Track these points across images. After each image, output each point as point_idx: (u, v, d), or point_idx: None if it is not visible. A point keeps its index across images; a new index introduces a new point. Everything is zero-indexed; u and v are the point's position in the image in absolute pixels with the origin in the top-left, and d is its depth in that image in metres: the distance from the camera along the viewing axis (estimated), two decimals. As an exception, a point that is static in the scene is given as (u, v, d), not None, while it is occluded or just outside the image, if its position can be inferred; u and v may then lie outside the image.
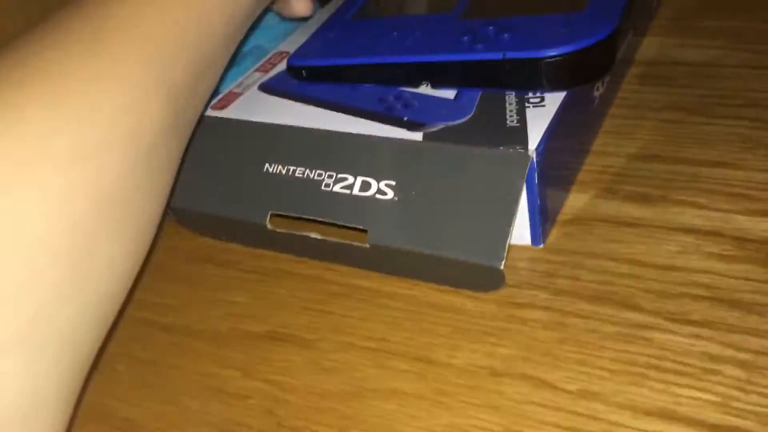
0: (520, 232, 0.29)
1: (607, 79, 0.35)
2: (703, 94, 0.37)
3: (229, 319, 0.30)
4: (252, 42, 0.40)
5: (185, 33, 0.27)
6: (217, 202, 0.32)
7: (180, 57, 0.27)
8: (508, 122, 0.29)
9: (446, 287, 0.29)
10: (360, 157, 0.30)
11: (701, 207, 0.30)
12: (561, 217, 0.31)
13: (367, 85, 0.33)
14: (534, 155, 0.27)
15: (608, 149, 0.34)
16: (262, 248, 0.33)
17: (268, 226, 0.31)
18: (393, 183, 0.29)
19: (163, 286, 0.32)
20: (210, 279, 0.32)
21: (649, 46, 0.41)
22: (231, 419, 0.25)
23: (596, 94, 0.34)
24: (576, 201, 0.32)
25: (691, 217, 0.30)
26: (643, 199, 0.31)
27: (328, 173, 0.30)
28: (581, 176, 0.33)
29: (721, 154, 0.33)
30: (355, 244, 0.29)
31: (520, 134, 0.28)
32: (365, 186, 0.29)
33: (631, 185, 0.32)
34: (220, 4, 0.29)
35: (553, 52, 0.29)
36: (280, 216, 0.31)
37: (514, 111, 0.30)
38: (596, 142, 0.35)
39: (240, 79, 0.37)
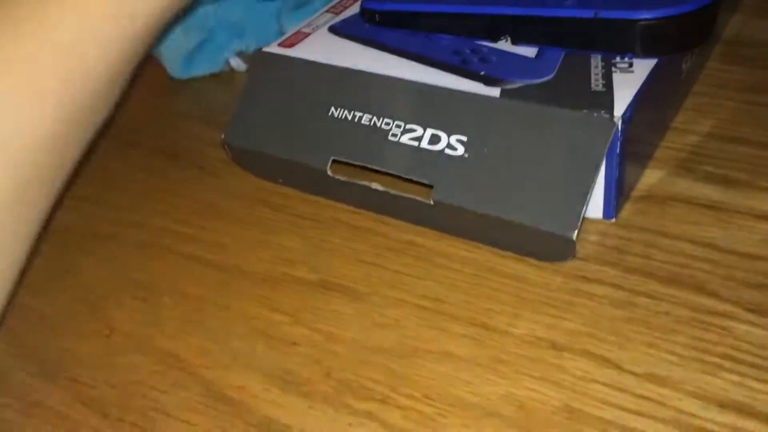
0: (593, 203, 0.28)
1: (696, 51, 0.33)
2: (796, 77, 0.34)
3: (280, 263, 0.29)
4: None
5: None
6: (276, 143, 0.31)
7: None
8: (593, 86, 0.27)
9: (510, 253, 0.27)
10: (431, 108, 0.28)
11: (789, 196, 0.28)
12: (635, 193, 0.29)
13: (443, 36, 0.32)
14: (619, 122, 0.25)
15: (689, 127, 0.32)
16: (320, 195, 0.31)
17: (329, 172, 0.30)
18: (465, 139, 0.27)
19: (214, 224, 0.31)
20: (263, 221, 0.31)
21: (736, 24, 0.39)
22: (277, 365, 0.25)
23: (684, 66, 0.32)
24: (652, 177, 0.30)
25: (777, 205, 0.28)
26: (725, 182, 0.29)
27: (396, 123, 0.29)
28: (659, 153, 0.31)
29: (814, 142, 0.31)
30: (419, 199, 0.28)
31: (605, 99, 0.26)
32: (434, 139, 0.28)
33: (711, 166, 0.30)
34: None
35: (650, 15, 0.27)
36: (342, 163, 0.30)
37: (600, 75, 0.28)
38: (677, 119, 0.33)
39: (309, 20, 0.35)
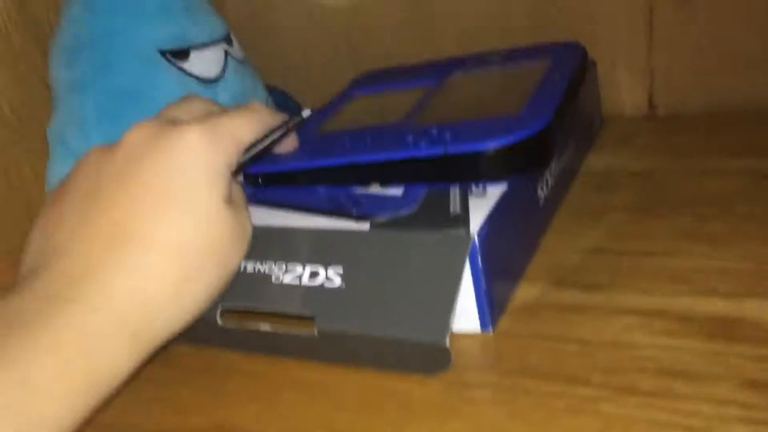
0: (470, 318, 0.29)
1: (552, 181, 0.37)
2: (645, 196, 0.38)
3: (172, 414, 0.29)
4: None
5: None
6: (169, 302, 0.32)
7: None
8: (451, 211, 0.30)
9: (393, 372, 0.28)
10: (309, 247, 0.31)
11: (645, 291, 0.30)
12: (510, 306, 0.31)
13: (321, 187, 0.35)
14: (475, 237, 0.28)
15: (556, 246, 0.35)
16: (211, 345, 0.32)
17: (219, 321, 0.31)
18: (341, 270, 0.29)
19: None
20: (155, 378, 0.31)
21: (593, 160, 0.43)
22: None
23: (540, 194, 0.35)
24: (525, 292, 0.32)
25: (636, 299, 0.30)
26: (590, 288, 0.31)
27: (277, 265, 0.31)
28: (530, 271, 0.33)
29: (665, 245, 0.33)
30: (303, 332, 0.29)
31: (462, 220, 0.29)
32: (314, 275, 0.30)
33: (578, 276, 0.32)
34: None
35: (489, 145, 0.30)
36: (230, 311, 0.31)
37: (458, 201, 0.31)
38: (544, 241, 0.36)
39: (199, 191, 0.38)
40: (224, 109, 0.32)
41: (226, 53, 0.43)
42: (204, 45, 0.42)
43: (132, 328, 0.26)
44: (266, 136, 0.32)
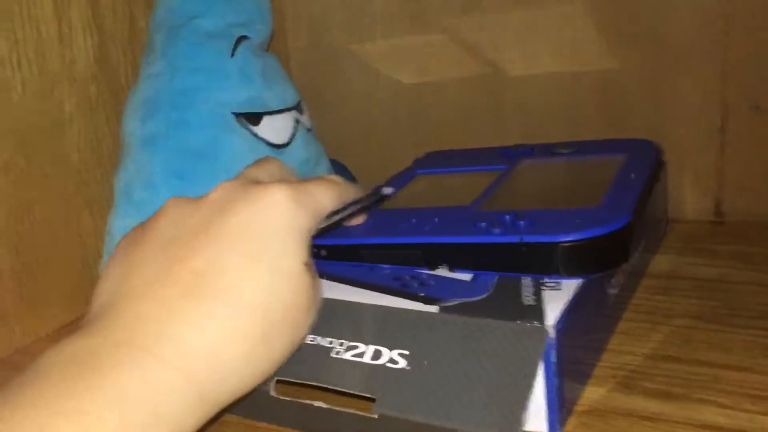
0: (537, 417, 0.28)
1: (621, 281, 0.35)
2: (715, 305, 0.37)
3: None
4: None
5: None
6: (221, 368, 0.31)
7: None
8: (524, 301, 0.29)
9: (455, 468, 0.27)
10: (374, 326, 0.29)
11: (724, 406, 0.29)
12: (578, 408, 0.30)
13: (385, 266, 0.34)
14: (552, 331, 0.27)
15: (624, 348, 0.34)
16: (262, 419, 0.31)
17: (273, 393, 0.29)
18: (406, 352, 0.28)
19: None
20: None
21: (660, 262, 0.42)
22: None
23: (611, 292, 0.34)
24: (593, 393, 0.30)
25: (713, 415, 0.28)
26: (663, 396, 0.30)
27: (339, 341, 0.30)
28: (598, 371, 0.32)
29: (741, 359, 0.32)
30: (362, 413, 0.28)
31: (536, 311, 0.28)
32: (377, 354, 0.29)
33: (649, 382, 0.31)
34: None
35: (568, 238, 0.30)
36: (285, 383, 0.30)
37: (531, 292, 0.30)
38: (612, 342, 0.34)
39: (259, 256, 0.37)
40: (301, 177, 0.32)
41: (297, 121, 0.44)
42: (277, 111, 0.43)
43: (201, 388, 0.24)
44: (344, 208, 0.31)
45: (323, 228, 0.30)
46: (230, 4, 0.43)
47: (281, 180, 0.29)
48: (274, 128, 0.42)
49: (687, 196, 0.48)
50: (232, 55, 0.41)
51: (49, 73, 0.41)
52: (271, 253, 0.26)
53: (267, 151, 0.42)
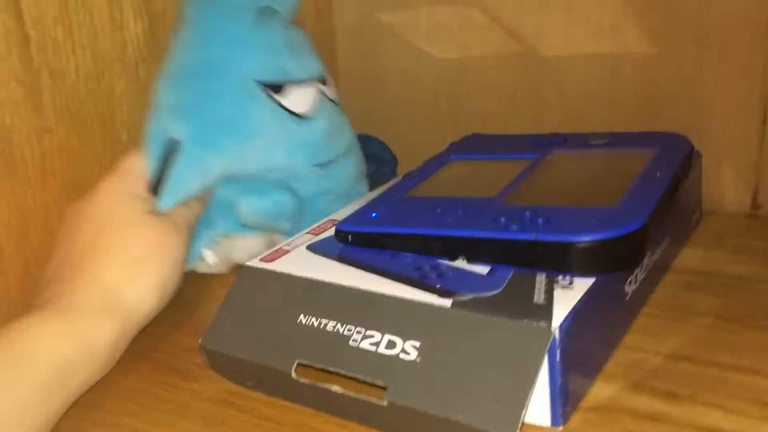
0: (541, 411, 0.29)
1: (642, 276, 0.36)
2: (740, 305, 0.37)
3: (238, 461, 0.29)
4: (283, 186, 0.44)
5: None
6: (248, 348, 0.33)
7: None
8: (535, 299, 0.30)
9: (458, 456, 0.28)
10: (389, 316, 0.31)
11: (729, 411, 0.29)
12: (584, 404, 0.31)
13: (407, 254, 0.35)
14: (556, 332, 0.28)
15: (638, 344, 0.34)
16: (284, 399, 0.33)
17: (293, 375, 0.31)
18: (418, 344, 0.30)
19: (184, 425, 0.32)
20: (229, 422, 0.32)
21: (688, 256, 0.42)
22: None
23: (628, 289, 0.35)
24: (601, 390, 0.31)
25: (717, 419, 0.29)
26: (670, 397, 0.31)
27: (357, 329, 0.31)
28: (609, 367, 0.33)
29: (755, 362, 0.32)
30: (373, 400, 0.29)
31: (545, 311, 0.29)
32: (391, 344, 0.30)
33: (658, 381, 0.32)
34: None
35: (582, 239, 0.30)
36: (306, 367, 0.32)
37: (543, 290, 0.31)
38: (627, 337, 0.35)
39: (291, 239, 0.39)
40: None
41: (321, 92, 0.45)
42: (300, 81, 0.44)
43: (100, 303, 0.35)
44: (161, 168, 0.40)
45: (153, 183, 0.40)
46: None
47: None
48: (297, 98, 0.43)
49: (724, 188, 0.48)
50: (258, 26, 0.43)
51: (101, 56, 0.43)
52: (120, 220, 0.38)
53: (289, 120, 0.43)
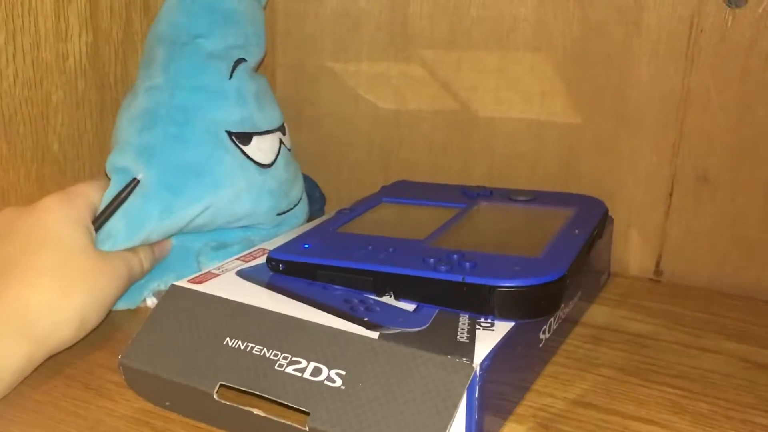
0: (455, 446, 0.30)
1: (554, 326, 0.38)
2: (640, 360, 0.39)
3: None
4: (241, 234, 0.44)
5: None
6: (170, 366, 0.33)
7: None
8: (458, 337, 0.31)
9: (375, 485, 0.29)
10: (317, 344, 0.32)
11: (629, 455, 0.31)
12: (495, 442, 0.32)
13: (336, 287, 0.36)
14: (478, 368, 0.29)
15: (547, 390, 0.36)
16: (203, 421, 0.33)
17: (215, 396, 0.32)
18: (343, 372, 0.30)
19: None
20: (142, 441, 0.32)
21: (595, 313, 0.45)
22: None
23: (542, 336, 0.37)
24: (512, 430, 0.33)
25: (618, 462, 0.31)
26: (575, 440, 0.32)
27: (283, 354, 0.32)
28: (519, 409, 0.34)
29: (651, 413, 0.35)
30: (295, 425, 0.30)
31: (468, 348, 0.30)
32: (316, 371, 0.31)
33: (565, 425, 0.33)
34: None
35: (507, 284, 0.32)
36: (228, 389, 0.32)
37: (466, 330, 0.32)
38: (537, 383, 0.37)
39: (220, 264, 0.39)
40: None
41: (281, 141, 0.46)
42: (265, 132, 0.45)
43: (15, 325, 0.34)
44: (114, 200, 0.40)
45: (99, 216, 0.40)
46: (231, 27, 0.44)
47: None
48: (262, 149, 0.44)
49: (631, 253, 0.51)
50: (231, 76, 0.43)
51: (42, 64, 0.43)
52: (52, 239, 0.37)
53: (254, 170, 0.44)
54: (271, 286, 0.37)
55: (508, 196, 0.46)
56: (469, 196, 0.47)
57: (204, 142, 0.42)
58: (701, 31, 0.46)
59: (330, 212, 0.46)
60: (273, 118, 0.46)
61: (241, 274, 0.38)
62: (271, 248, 0.40)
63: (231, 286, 0.36)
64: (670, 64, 0.47)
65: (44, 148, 0.44)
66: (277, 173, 0.45)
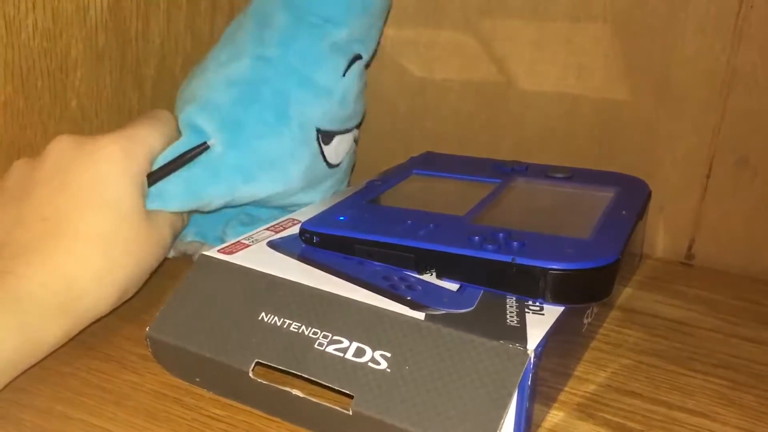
0: (502, 434, 0.29)
1: (595, 310, 0.37)
2: (681, 348, 0.38)
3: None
4: (277, 213, 0.42)
5: None
6: (201, 341, 0.32)
7: None
8: (508, 321, 0.30)
9: (421, 473, 0.27)
10: (359, 323, 0.30)
11: (680, 449, 0.30)
12: (539, 430, 0.31)
13: (374, 262, 0.34)
14: (532, 355, 0.28)
15: (589, 377, 0.35)
16: (236, 400, 0.31)
17: (251, 374, 0.30)
18: (388, 354, 0.29)
19: (124, 417, 0.30)
20: (174, 419, 0.30)
21: (630, 296, 0.44)
22: None
23: (586, 321, 0.35)
24: (555, 418, 0.32)
25: (670, 455, 0.30)
26: (621, 429, 0.31)
27: (323, 333, 0.30)
28: (562, 396, 0.33)
29: (699, 404, 0.33)
30: (338, 408, 0.28)
31: (519, 334, 0.29)
32: (359, 352, 0.29)
33: (609, 414, 0.32)
34: None
35: (560, 266, 0.30)
36: (264, 367, 0.30)
37: (515, 313, 0.31)
38: (578, 369, 0.35)
39: (249, 234, 0.37)
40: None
41: (355, 139, 0.45)
42: (347, 130, 0.43)
43: (60, 300, 0.31)
44: (176, 159, 0.37)
45: (156, 171, 0.36)
46: (364, 18, 0.42)
47: (113, 132, 0.35)
48: (338, 150, 0.43)
49: (662, 234, 0.50)
50: (344, 74, 0.41)
51: (62, 15, 0.40)
52: (107, 200, 0.33)
53: (323, 168, 0.43)
54: (304, 258, 0.35)
55: (544, 172, 0.44)
56: (502, 170, 0.45)
57: (293, 138, 0.40)
58: (751, 6, 0.44)
59: (358, 183, 0.44)
60: (358, 116, 0.44)
61: (272, 245, 0.36)
62: (302, 219, 0.38)
63: (263, 258, 0.35)
64: (716, 40, 0.45)
65: (62, 105, 0.42)
66: (339, 172, 0.44)
